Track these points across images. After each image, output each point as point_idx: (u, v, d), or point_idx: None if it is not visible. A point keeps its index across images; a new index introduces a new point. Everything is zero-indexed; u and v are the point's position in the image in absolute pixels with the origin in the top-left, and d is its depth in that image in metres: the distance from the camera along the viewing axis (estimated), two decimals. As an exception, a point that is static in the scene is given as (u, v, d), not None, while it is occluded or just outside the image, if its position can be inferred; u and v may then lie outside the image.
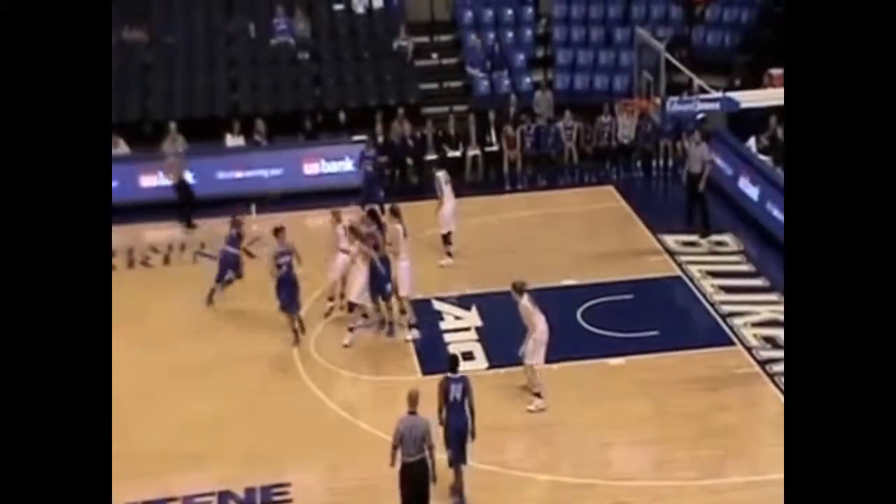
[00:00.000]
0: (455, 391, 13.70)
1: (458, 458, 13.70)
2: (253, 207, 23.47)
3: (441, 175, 20.75)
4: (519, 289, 16.00)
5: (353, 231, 17.80)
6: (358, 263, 17.47)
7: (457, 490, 13.82)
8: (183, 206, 23.32)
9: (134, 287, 20.05)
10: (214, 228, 22.73)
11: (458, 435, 13.66)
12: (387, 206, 19.81)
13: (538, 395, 16.07)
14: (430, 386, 16.02)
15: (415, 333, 18.05)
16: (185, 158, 23.54)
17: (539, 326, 15.92)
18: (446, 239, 20.70)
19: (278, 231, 17.92)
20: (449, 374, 13.90)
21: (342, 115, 25.50)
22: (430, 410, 13.26)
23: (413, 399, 13.01)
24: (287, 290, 17.71)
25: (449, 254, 20.70)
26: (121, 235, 21.43)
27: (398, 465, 12.93)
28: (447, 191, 20.54)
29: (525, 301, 15.91)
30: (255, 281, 20.24)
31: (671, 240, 21.34)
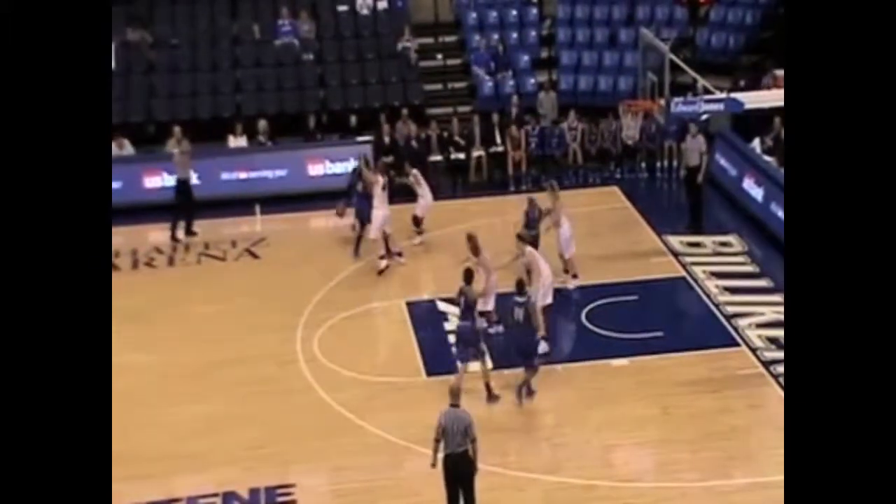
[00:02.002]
0: (518, 314, 15.30)
1: (526, 366, 15.61)
2: (257, 208, 23.54)
3: (415, 171, 21.68)
4: (526, 239, 17.50)
5: (470, 240, 17.40)
6: (480, 273, 17.19)
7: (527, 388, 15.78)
8: (179, 207, 22.48)
9: (138, 288, 20.04)
10: (218, 229, 22.87)
11: (523, 352, 15.43)
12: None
13: (545, 338, 16.62)
14: (433, 387, 16.13)
15: (383, 264, 19.91)
16: (189, 158, 23.03)
17: (544, 272, 16.95)
18: (418, 221, 21.50)
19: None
20: (515, 297, 15.42)
21: (353, 119, 25.39)
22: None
23: (455, 393, 13.07)
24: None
25: (419, 233, 21.68)
26: (125, 236, 21.49)
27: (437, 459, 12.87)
28: (423, 182, 21.54)
29: (529, 249, 17.19)
30: (259, 282, 20.32)
31: (675, 241, 21.31)
